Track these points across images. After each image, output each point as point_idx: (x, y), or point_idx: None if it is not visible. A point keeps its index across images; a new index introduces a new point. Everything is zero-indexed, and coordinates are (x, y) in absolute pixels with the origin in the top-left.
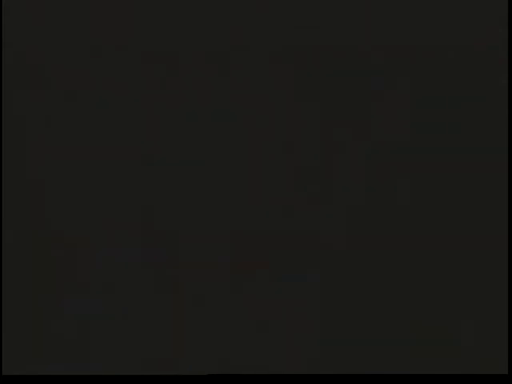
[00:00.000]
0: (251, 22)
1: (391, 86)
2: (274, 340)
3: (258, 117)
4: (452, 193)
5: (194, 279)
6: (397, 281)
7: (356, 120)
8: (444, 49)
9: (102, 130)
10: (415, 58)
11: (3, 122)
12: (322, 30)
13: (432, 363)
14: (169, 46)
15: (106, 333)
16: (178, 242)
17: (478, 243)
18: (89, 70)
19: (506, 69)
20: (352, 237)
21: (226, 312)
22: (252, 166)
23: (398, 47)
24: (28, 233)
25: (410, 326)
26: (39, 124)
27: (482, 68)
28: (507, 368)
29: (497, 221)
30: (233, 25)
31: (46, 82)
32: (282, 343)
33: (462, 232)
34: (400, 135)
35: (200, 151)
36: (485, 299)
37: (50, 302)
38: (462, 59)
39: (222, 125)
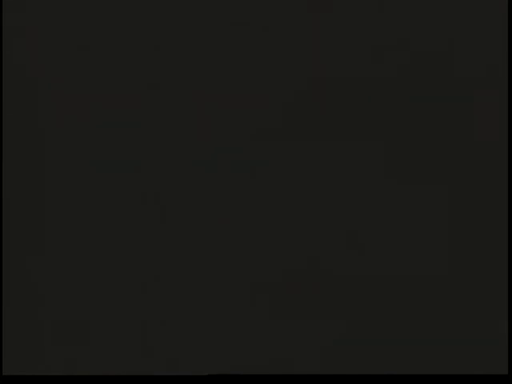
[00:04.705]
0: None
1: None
2: (274, 340)
3: None
4: (453, 194)
5: (194, 280)
6: (397, 281)
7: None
8: (444, 48)
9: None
10: (415, 57)
11: (3, 123)
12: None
13: (432, 363)
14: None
15: (105, 333)
16: (180, 242)
17: (478, 243)
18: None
19: (505, 69)
20: (346, 238)
21: (225, 313)
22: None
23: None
24: (27, 234)
25: (411, 326)
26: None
27: (482, 68)
28: (507, 368)
29: (497, 221)
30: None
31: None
32: (282, 343)
33: (462, 232)
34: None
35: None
36: (485, 299)
37: (49, 302)
38: (461, 59)
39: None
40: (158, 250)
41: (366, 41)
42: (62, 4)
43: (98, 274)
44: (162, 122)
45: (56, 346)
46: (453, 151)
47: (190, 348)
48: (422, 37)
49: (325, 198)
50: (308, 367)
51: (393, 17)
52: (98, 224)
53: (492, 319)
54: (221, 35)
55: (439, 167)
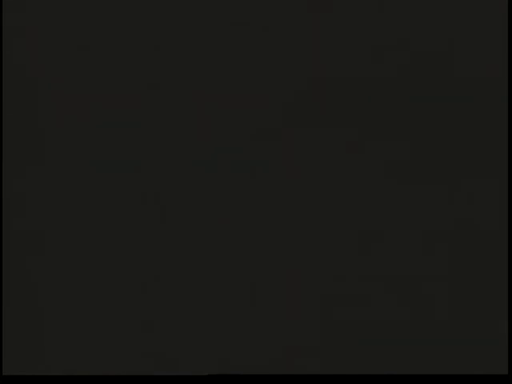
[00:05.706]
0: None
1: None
2: (274, 340)
3: None
4: (453, 194)
5: (194, 280)
6: (397, 281)
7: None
8: (444, 49)
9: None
10: (416, 58)
11: (3, 122)
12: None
13: (432, 363)
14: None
15: (105, 333)
16: (180, 242)
17: (478, 243)
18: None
19: (505, 69)
20: (348, 239)
21: (225, 313)
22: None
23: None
24: (27, 234)
25: (411, 326)
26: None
27: (482, 68)
28: (507, 368)
29: (497, 221)
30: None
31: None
32: (282, 343)
33: (462, 232)
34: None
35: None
36: (485, 299)
37: (49, 302)
38: (462, 59)
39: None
40: (158, 250)
41: (366, 41)
42: (61, 4)
43: (98, 274)
44: (162, 122)
45: (56, 346)
46: (453, 151)
47: (190, 348)
48: (422, 37)
49: (324, 198)
50: (308, 367)
51: (393, 17)
52: (97, 224)
53: (492, 319)
54: (221, 35)
55: (439, 167)
